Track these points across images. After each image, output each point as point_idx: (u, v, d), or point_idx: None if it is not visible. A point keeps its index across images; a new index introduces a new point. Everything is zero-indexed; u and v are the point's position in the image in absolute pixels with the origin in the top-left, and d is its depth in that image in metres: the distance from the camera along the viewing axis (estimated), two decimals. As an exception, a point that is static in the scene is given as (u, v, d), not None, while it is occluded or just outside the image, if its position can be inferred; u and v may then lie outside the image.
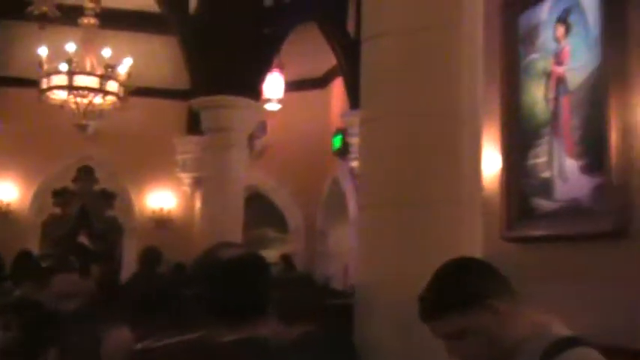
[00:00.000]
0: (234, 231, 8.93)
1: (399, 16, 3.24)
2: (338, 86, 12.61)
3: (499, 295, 2.18)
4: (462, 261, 2.36)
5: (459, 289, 2.18)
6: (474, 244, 3.20)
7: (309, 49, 12.08)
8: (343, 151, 11.93)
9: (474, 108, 3.25)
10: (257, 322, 2.22)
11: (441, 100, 3.15)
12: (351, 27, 10.63)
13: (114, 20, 11.65)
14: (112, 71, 10.36)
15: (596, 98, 6.06)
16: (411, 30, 3.18)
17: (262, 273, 2.32)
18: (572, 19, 6.44)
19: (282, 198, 14.58)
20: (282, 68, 12.25)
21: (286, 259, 11.24)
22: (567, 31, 6.52)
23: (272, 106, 12.35)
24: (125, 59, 10.56)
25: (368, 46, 3.35)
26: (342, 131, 11.97)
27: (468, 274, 2.23)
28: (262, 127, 13.14)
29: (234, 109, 9.11)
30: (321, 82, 13.98)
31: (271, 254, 11.71)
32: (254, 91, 9.41)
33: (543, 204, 6.72)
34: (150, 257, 8.02)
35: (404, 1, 3.24)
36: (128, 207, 14.32)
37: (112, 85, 10.43)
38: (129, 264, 12.47)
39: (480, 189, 3.35)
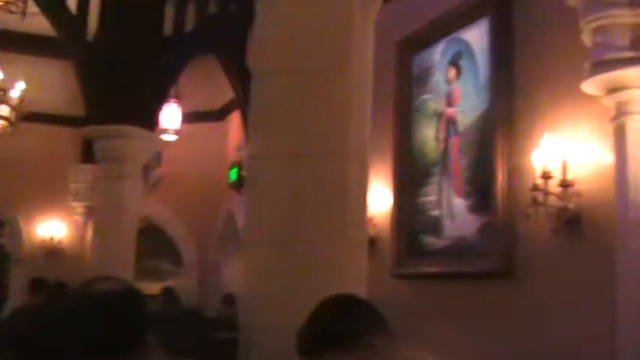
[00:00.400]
0: (125, 262, 8.75)
1: (286, 54, 3.23)
2: (235, 119, 12.61)
3: (376, 334, 2.21)
4: (341, 298, 2.37)
5: (336, 327, 2.19)
6: (359, 281, 3.21)
7: (208, 81, 12.04)
8: (239, 184, 11.91)
9: (361, 146, 3.27)
10: (133, 357, 2.19)
11: (327, 140, 3.13)
12: (249, 60, 10.65)
13: (7, 42, 11.32)
14: (4, 95, 10.09)
15: (484, 140, 6.26)
16: (297, 69, 3.18)
17: (137, 306, 2.29)
18: (463, 62, 6.65)
19: (176, 230, 14.43)
20: (179, 99, 12.19)
21: (168, 292, 11.08)
22: (458, 73, 6.72)
23: (168, 137, 12.25)
24: (18, 83, 10.30)
25: (257, 82, 3.32)
26: (238, 164, 11.99)
27: (345, 312, 2.24)
28: (158, 158, 12.99)
29: (128, 138, 8.96)
30: (218, 115, 13.95)
31: (162, 287, 11.56)
32: (150, 122, 9.28)
33: (432, 241, 6.86)
34: (37, 289, 7.82)
35: (291, 39, 3.23)
36: (17, 235, 13.91)
37: (3, 109, 10.16)
38: (16, 294, 12.12)
39: (365, 226, 3.38)
